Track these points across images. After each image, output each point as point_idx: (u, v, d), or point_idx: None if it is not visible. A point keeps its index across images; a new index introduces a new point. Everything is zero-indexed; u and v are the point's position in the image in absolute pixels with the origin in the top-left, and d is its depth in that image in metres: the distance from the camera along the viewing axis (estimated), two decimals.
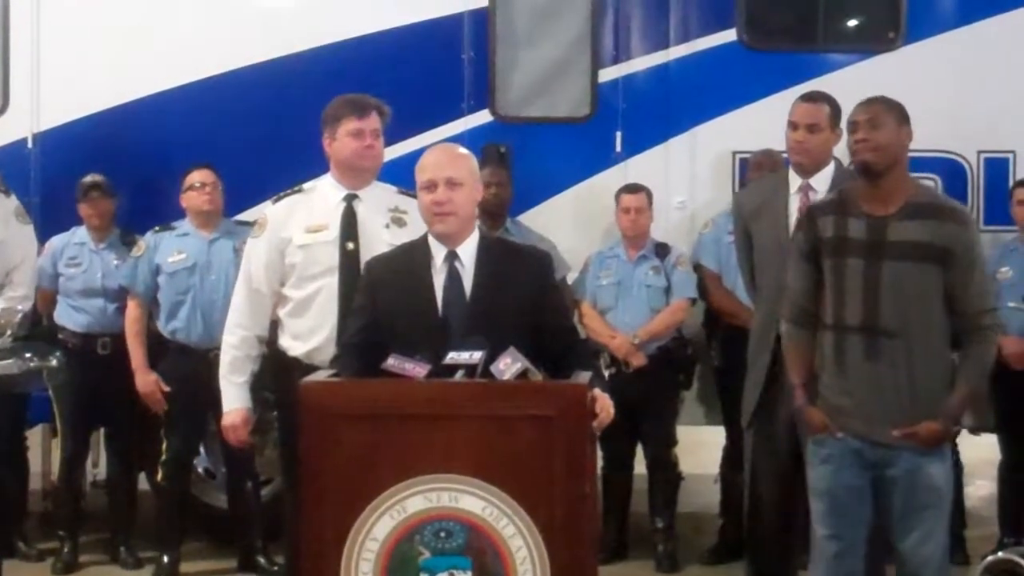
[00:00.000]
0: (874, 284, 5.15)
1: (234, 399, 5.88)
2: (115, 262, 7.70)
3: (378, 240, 5.55)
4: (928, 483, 5.21)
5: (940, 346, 5.22)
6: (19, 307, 7.55)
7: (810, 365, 5.39)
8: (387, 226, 5.67)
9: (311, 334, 5.69)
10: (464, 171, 4.85)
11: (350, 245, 5.66)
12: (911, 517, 5.21)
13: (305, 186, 5.93)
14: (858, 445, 5.24)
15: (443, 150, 5.12)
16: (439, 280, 4.80)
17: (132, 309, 7.57)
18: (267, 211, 5.94)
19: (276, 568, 7.58)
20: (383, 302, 4.85)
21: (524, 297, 4.78)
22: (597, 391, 4.49)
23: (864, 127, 5.18)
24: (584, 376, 4.56)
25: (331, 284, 5.64)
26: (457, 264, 4.80)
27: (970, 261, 5.18)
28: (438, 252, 4.82)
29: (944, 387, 5.20)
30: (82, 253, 7.72)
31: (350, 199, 5.74)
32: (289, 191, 5.92)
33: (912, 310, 5.14)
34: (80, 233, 7.77)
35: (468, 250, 4.83)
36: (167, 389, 7.48)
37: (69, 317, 7.69)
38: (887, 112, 5.24)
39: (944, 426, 5.17)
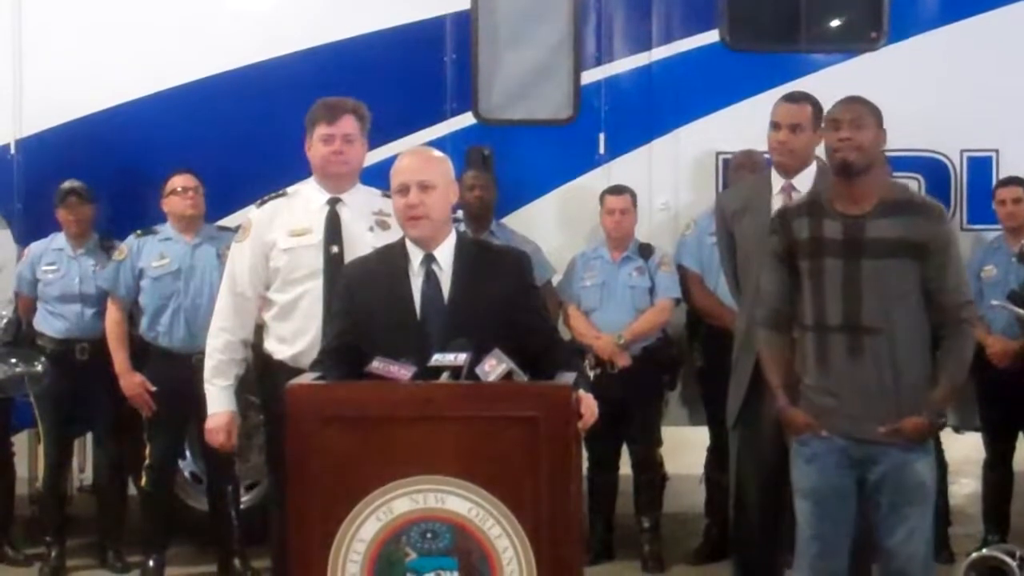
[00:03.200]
0: (854, 283, 5.17)
1: (218, 403, 5.88)
2: (93, 268, 7.68)
3: (362, 243, 5.55)
4: (914, 480, 5.23)
5: (922, 341, 5.25)
6: (2, 312, 7.56)
7: (789, 366, 5.41)
8: (371, 229, 5.68)
9: (296, 338, 5.69)
10: (436, 174, 4.84)
11: (334, 248, 5.66)
12: (897, 514, 5.23)
13: (289, 190, 5.93)
14: (843, 444, 5.25)
15: (416, 154, 5.14)
16: (417, 283, 4.79)
17: (113, 313, 7.55)
18: (251, 215, 5.94)
19: (250, 572, 7.61)
20: (361, 306, 4.84)
21: (502, 297, 4.77)
22: (581, 391, 4.49)
23: (848, 126, 5.20)
24: (569, 377, 4.56)
25: (316, 288, 5.65)
26: (435, 267, 4.80)
27: (946, 255, 5.22)
28: (415, 255, 4.82)
29: (927, 382, 5.22)
30: (60, 259, 7.70)
31: (334, 203, 5.75)
32: (273, 195, 5.92)
33: (893, 307, 5.16)
34: (58, 239, 7.75)
35: (445, 252, 4.83)
36: (153, 389, 7.47)
37: (47, 323, 7.68)
38: (869, 113, 5.26)
39: (929, 420, 5.20)
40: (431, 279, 4.78)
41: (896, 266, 5.16)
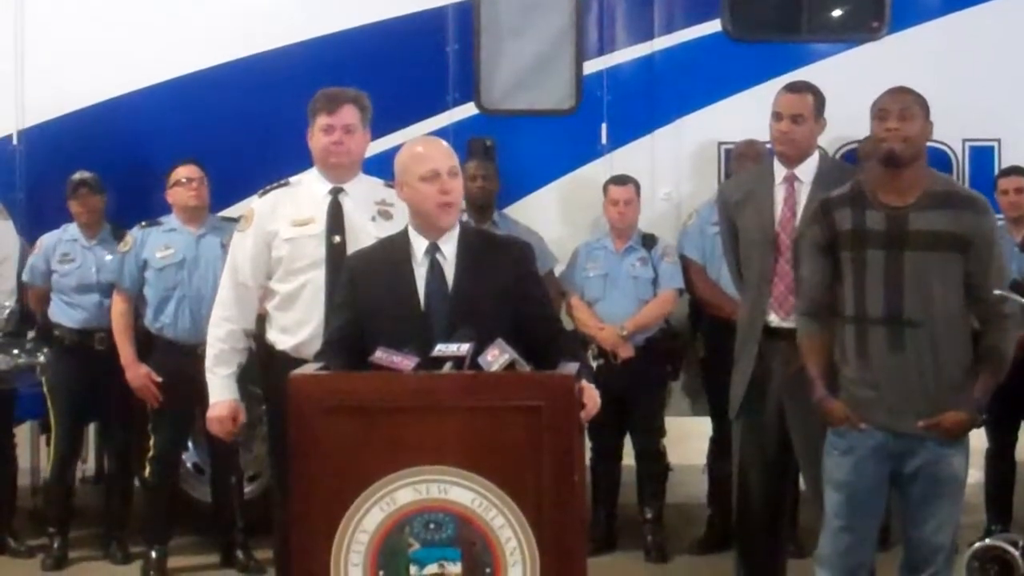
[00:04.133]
0: (896, 275, 5.14)
1: (220, 391, 5.88)
2: (108, 257, 7.69)
3: (364, 233, 5.55)
4: (948, 473, 5.22)
5: (963, 335, 5.22)
6: (5, 303, 7.56)
7: (828, 357, 5.38)
8: (373, 219, 5.67)
9: (298, 328, 5.69)
10: (457, 162, 4.88)
11: (336, 238, 5.66)
12: (928, 506, 5.23)
13: (291, 179, 5.92)
14: (881, 437, 5.23)
15: (433, 142, 5.11)
16: (421, 273, 4.79)
17: (119, 304, 7.56)
18: (253, 205, 5.94)
19: (253, 563, 7.62)
20: (365, 297, 4.84)
21: (506, 287, 4.77)
22: (585, 382, 4.49)
23: (895, 116, 5.17)
24: (572, 366, 4.56)
25: (318, 278, 5.64)
26: (439, 256, 4.80)
27: (989, 249, 5.19)
28: (419, 245, 4.82)
29: (968, 376, 5.20)
30: (75, 249, 7.71)
31: (336, 192, 5.74)
32: (275, 184, 5.91)
33: (935, 300, 5.13)
34: (71, 230, 7.76)
35: (450, 242, 4.83)
36: (159, 379, 7.47)
37: (64, 314, 7.69)
38: (917, 103, 5.24)
39: (969, 415, 5.18)
40: (435, 269, 4.79)
41: (939, 259, 5.13)
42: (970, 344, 5.25)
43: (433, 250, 4.80)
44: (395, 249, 4.88)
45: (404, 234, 4.89)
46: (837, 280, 5.33)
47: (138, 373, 7.49)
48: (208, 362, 5.92)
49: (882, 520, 5.54)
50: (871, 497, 5.32)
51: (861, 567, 5.41)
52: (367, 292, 4.84)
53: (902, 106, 5.20)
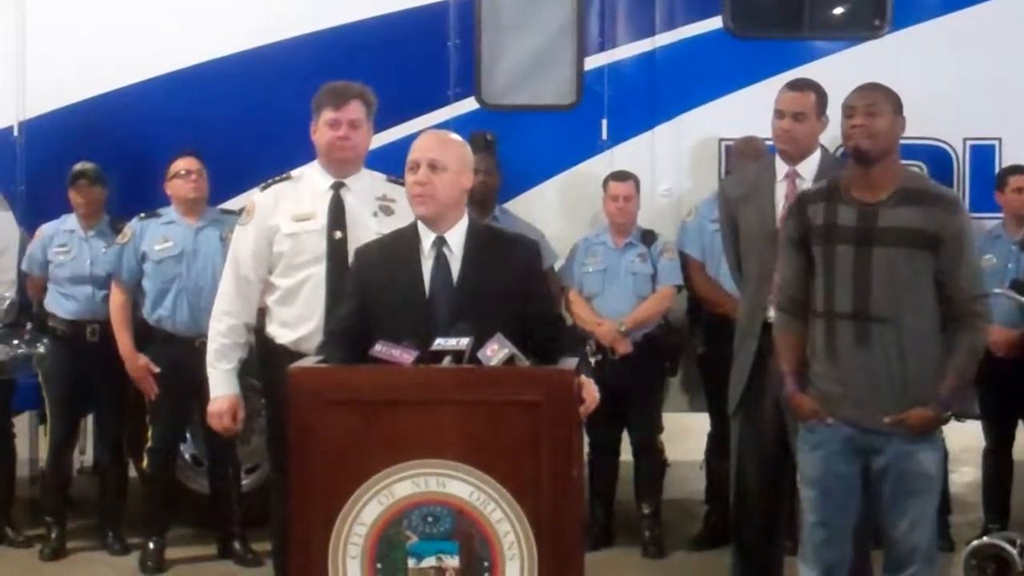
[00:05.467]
0: (864, 271, 5.15)
1: (221, 386, 5.87)
2: (104, 249, 7.68)
3: (366, 229, 5.55)
4: (918, 470, 5.22)
5: (931, 332, 5.22)
6: (5, 294, 7.57)
7: (801, 353, 5.40)
8: (375, 214, 5.67)
9: (299, 322, 5.69)
10: (450, 157, 4.83)
11: (338, 234, 5.66)
12: (901, 504, 5.23)
13: (293, 173, 5.92)
14: (849, 432, 5.25)
15: (434, 134, 5.11)
16: (427, 266, 4.80)
17: (116, 295, 7.56)
18: (255, 198, 5.93)
19: (250, 556, 7.62)
20: (371, 288, 4.85)
21: (511, 284, 4.78)
22: (583, 377, 4.51)
23: (861, 113, 5.18)
24: (571, 362, 4.57)
25: (319, 272, 5.65)
26: (445, 250, 4.81)
27: (959, 247, 5.19)
28: (426, 237, 4.83)
29: (935, 373, 5.20)
30: (71, 240, 7.71)
31: (338, 187, 5.74)
32: (276, 178, 5.91)
33: (903, 296, 5.15)
34: (70, 220, 7.76)
35: (456, 236, 4.83)
36: (157, 370, 7.48)
37: (58, 304, 7.69)
38: (885, 100, 5.24)
39: (935, 413, 5.19)
40: (441, 261, 4.79)
41: (908, 255, 5.14)
42: (939, 343, 5.25)
43: (439, 243, 4.81)
44: (403, 241, 4.89)
45: (413, 227, 4.89)
46: (811, 276, 5.34)
47: (137, 364, 7.49)
48: (209, 356, 5.91)
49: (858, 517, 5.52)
50: (843, 492, 5.33)
51: (839, 563, 5.42)
52: (373, 283, 4.86)
53: (868, 102, 5.22)
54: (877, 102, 5.22)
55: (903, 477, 5.21)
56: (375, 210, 5.69)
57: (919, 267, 5.16)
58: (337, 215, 5.69)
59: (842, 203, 5.24)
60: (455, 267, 4.80)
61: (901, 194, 5.18)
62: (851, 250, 5.19)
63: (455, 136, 5.05)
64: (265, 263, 5.78)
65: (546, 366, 4.57)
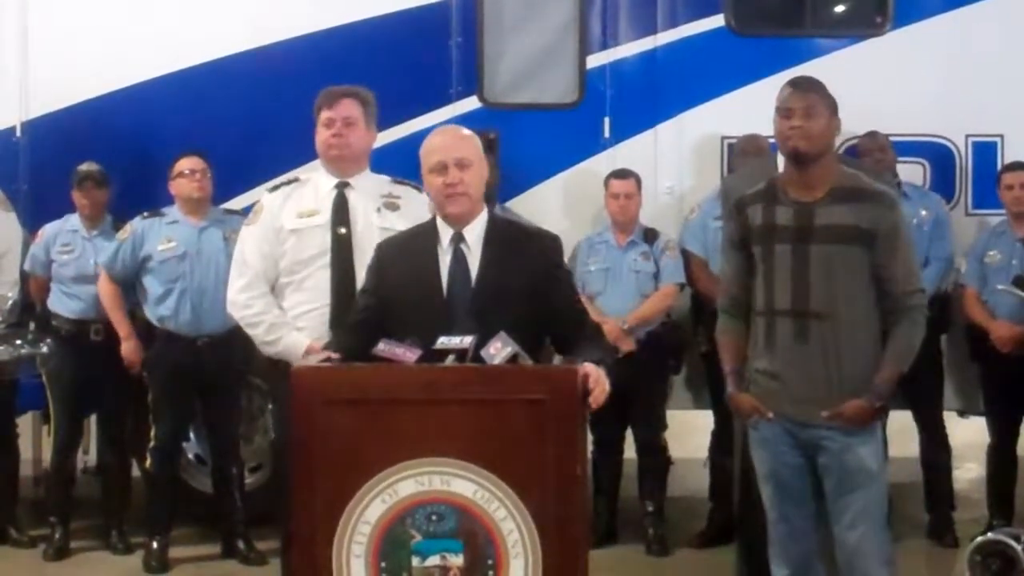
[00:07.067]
0: (803, 268, 5.18)
1: (302, 340, 5.65)
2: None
3: (369, 225, 5.58)
4: (857, 464, 5.22)
5: (869, 329, 5.23)
6: (8, 294, 7.58)
7: (742, 352, 5.42)
8: (379, 210, 5.67)
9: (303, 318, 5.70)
10: (471, 151, 4.87)
11: (342, 230, 5.66)
12: (841, 500, 5.24)
13: (301, 176, 5.94)
14: (789, 427, 5.28)
15: (447, 132, 5.10)
16: (445, 261, 4.81)
17: (105, 284, 7.56)
18: (263, 199, 5.92)
19: (254, 555, 7.63)
20: (390, 283, 4.87)
21: (530, 280, 4.79)
22: (589, 366, 4.45)
23: (799, 115, 5.20)
24: (594, 352, 4.60)
25: (323, 268, 5.65)
26: (463, 246, 4.81)
27: (893, 242, 5.20)
28: (445, 233, 4.83)
29: (873, 368, 5.21)
30: (75, 240, 7.72)
31: (342, 187, 5.75)
32: (285, 180, 5.92)
33: (840, 293, 5.17)
34: (73, 220, 7.77)
35: (475, 231, 4.85)
36: (142, 358, 7.53)
37: (62, 304, 7.70)
38: (822, 102, 5.27)
39: (869, 404, 5.18)
40: (459, 258, 4.80)
41: (844, 252, 5.17)
42: (878, 336, 5.26)
43: (457, 239, 4.82)
44: (424, 237, 4.90)
45: (432, 222, 4.91)
46: (751, 275, 5.37)
47: (130, 346, 7.53)
48: (267, 337, 5.72)
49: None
50: (795, 484, 5.34)
51: (805, 556, 5.41)
52: (392, 278, 4.87)
53: (806, 104, 5.22)
54: (815, 104, 5.24)
55: (842, 472, 5.22)
56: (379, 206, 5.69)
57: (855, 263, 5.18)
58: (341, 211, 5.70)
59: (780, 203, 5.28)
60: (474, 263, 4.80)
61: (836, 192, 5.21)
62: (789, 248, 5.21)
63: (465, 130, 5.07)
64: (273, 263, 5.75)
65: (550, 364, 4.59)
